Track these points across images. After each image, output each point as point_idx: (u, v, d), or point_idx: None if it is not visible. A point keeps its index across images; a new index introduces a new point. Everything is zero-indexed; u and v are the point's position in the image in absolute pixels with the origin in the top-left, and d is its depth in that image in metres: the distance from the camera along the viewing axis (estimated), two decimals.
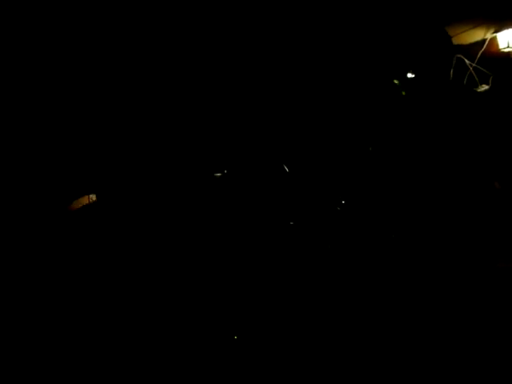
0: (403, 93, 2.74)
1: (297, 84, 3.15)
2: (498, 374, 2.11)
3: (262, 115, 3.21)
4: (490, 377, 2.10)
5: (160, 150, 3.23)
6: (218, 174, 3.27)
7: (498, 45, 2.81)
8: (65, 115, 3.14)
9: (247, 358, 2.50)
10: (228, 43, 3.08)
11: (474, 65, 2.89)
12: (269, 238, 3.12)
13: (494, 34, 2.80)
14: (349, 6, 2.90)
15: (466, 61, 2.90)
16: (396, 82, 2.99)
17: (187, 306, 2.86)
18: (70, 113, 3.15)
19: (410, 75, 2.99)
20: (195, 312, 2.82)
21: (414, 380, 2.22)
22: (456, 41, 2.90)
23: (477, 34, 2.86)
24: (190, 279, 3.00)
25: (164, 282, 3.00)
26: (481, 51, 2.86)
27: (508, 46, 2.77)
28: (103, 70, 3.08)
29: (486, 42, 2.83)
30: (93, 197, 3.24)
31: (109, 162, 3.24)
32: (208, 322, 2.76)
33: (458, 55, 2.92)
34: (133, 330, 2.74)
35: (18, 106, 3.05)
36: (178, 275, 3.03)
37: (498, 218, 2.80)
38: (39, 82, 3.03)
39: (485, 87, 2.91)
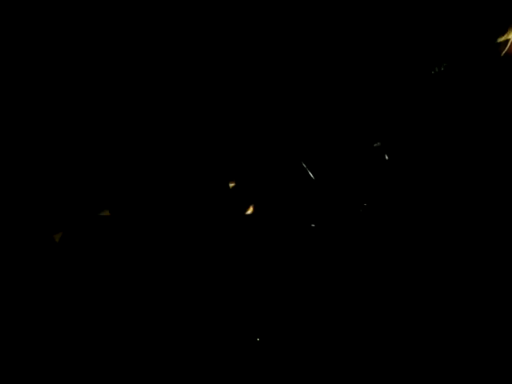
0: (442, 67, 2.78)
1: (322, 81, 3.21)
2: (501, 377, 2.16)
3: (281, 114, 3.27)
4: (492, 378, 2.16)
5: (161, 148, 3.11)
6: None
7: None
8: None
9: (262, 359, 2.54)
10: (237, 42, 3.08)
11: (496, 65, 2.95)
12: (289, 240, 3.15)
13: None
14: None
15: (489, 61, 2.96)
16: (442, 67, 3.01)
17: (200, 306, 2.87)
18: None
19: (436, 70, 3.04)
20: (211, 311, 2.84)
21: (414, 380, 2.27)
22: None
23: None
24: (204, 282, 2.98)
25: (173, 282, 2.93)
26: (504, 51, 2.92)
27: None
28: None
29: (509, 43, 2.90)
30: None
31: None
32: (223, 321, 2.78)
33: (481, 55, 2.98)
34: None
35: None
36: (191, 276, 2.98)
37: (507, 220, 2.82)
38: None
39: None
